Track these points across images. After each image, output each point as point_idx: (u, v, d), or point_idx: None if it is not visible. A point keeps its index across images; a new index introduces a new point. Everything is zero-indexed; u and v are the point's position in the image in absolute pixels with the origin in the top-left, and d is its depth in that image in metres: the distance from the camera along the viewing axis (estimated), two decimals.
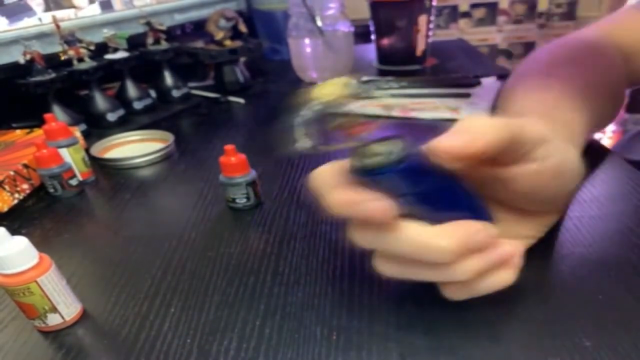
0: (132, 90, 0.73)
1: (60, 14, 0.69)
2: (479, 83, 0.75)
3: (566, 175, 0.28)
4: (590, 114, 0.39)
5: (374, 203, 0.22)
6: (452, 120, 0.61)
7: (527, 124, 0.25)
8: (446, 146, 0.22)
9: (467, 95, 0.69)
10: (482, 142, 0.22)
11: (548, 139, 0.26)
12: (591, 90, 0.41)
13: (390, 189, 0.23)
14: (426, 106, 0.66)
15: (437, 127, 0.59)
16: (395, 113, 0.65)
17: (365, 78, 0.83)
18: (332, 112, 0.22)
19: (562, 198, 0.31)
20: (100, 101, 0.68)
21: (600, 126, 0.45)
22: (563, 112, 0.37)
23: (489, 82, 0.74)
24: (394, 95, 0.72)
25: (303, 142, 0.22)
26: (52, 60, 0.63)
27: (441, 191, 0.25)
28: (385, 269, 0.26)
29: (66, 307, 0.31)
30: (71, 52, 0.64)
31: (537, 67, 0.46)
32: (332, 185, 0.24)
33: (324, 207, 0.24)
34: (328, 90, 0.21)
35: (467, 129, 0.23)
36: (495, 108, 0.43)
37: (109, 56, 0.69)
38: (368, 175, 0.23)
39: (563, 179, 0.28)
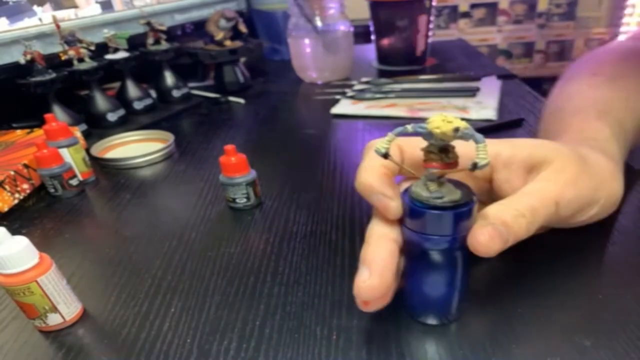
0: (132, 90, 0.73)
1: (60, 14, 0.69)
2: (479, 79, 0.75)
3: (584, 184, 0.29)
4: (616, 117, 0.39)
5: (387, 200, 0.25)
6: (462, 120, 0.61)
7: (539, 201, 0.27)
8: (482, 246, 0.23)
9: (473, 94, 0.69)
10: (512, 238, 0.24)
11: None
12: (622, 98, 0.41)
13: (417, 222, 0.25)
14: (433, 106, 0.66)
15: None
16: (403, 113, 0.65)
17: (364, 79, 0.83)
18: (428, 140, 0.23)
19: (595, 200, 0.31)
20: (101, 101, 0.68)
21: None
22: (585, 123, 0.38)
23: (490, 82, 0.75)
24: (399, 95, 0.72)
25: (383, 145, 0.24)
26: (52, 61, 0.63)
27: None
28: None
29: (66, 307, 0.31)
30: (71, 52, 0.64)
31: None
32: (374, 167, 0.27)
33: (356, 179, 0.27)
34: (438, 124, 0.22)
35: (500, 224, 0.24)
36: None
37: (109, 56, 0.69)
38: (407, 202, 0.25)
39: (580, 189, 0.29)
